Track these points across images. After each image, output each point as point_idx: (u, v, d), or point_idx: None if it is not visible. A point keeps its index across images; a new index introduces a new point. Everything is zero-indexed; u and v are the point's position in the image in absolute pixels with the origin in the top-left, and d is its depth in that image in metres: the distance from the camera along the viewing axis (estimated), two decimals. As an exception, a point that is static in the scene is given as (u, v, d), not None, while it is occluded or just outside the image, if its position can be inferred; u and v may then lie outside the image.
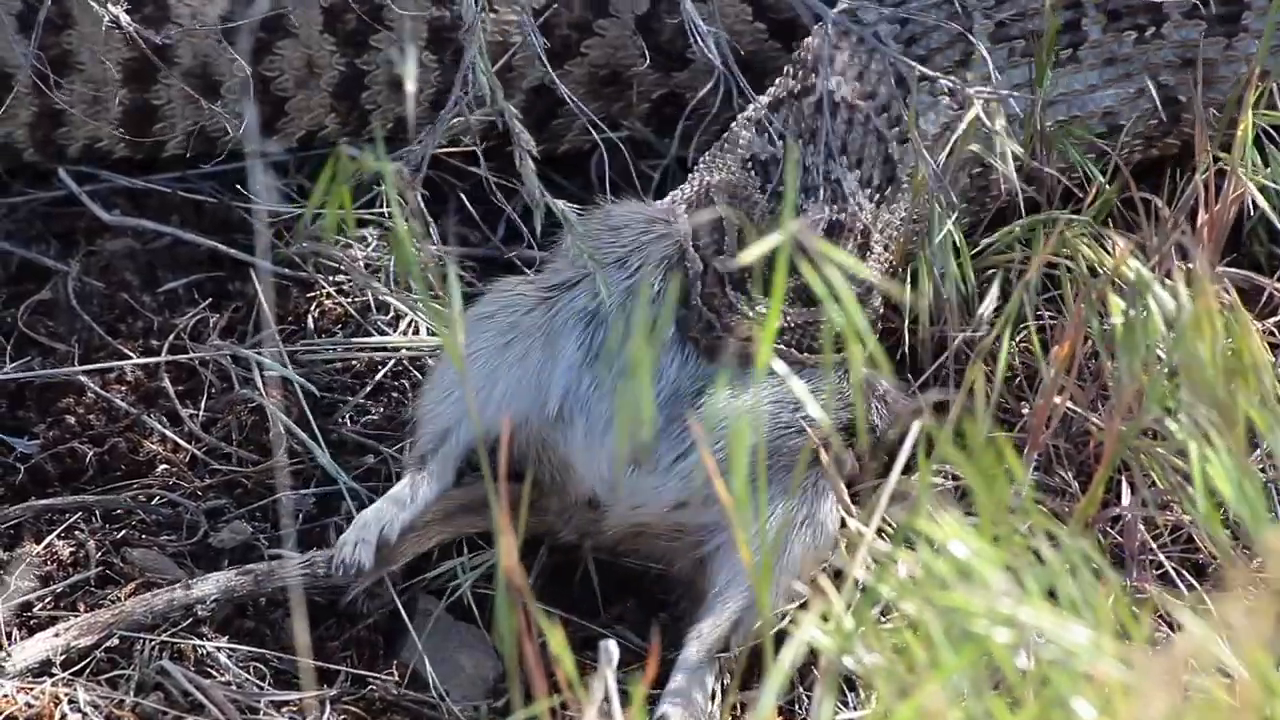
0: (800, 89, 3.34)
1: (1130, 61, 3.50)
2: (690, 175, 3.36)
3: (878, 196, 3.29)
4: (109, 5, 3.39)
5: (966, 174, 3.41)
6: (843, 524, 3.13)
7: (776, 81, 3.40)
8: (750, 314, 3.09)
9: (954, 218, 3.29)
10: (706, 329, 3.10)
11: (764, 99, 3.36)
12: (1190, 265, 3.24)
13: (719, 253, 3.15)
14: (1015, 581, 2.19)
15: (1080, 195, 3.44)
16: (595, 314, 3.16)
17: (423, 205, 3.30)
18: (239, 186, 3.70)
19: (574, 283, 3.19)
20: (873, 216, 3.28)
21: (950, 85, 3.28)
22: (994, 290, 3.37)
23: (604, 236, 3.19)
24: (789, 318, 3.12)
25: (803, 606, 3.04)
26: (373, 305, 3.57)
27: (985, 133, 3.28)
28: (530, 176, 3.25)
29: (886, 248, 3.31)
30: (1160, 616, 3.03)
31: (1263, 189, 3.30)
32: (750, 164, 3.29)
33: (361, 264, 3.61)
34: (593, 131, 3.50)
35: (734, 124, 3.38)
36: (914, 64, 3.29)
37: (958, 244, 3.30)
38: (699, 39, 3.32)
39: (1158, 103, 3.50)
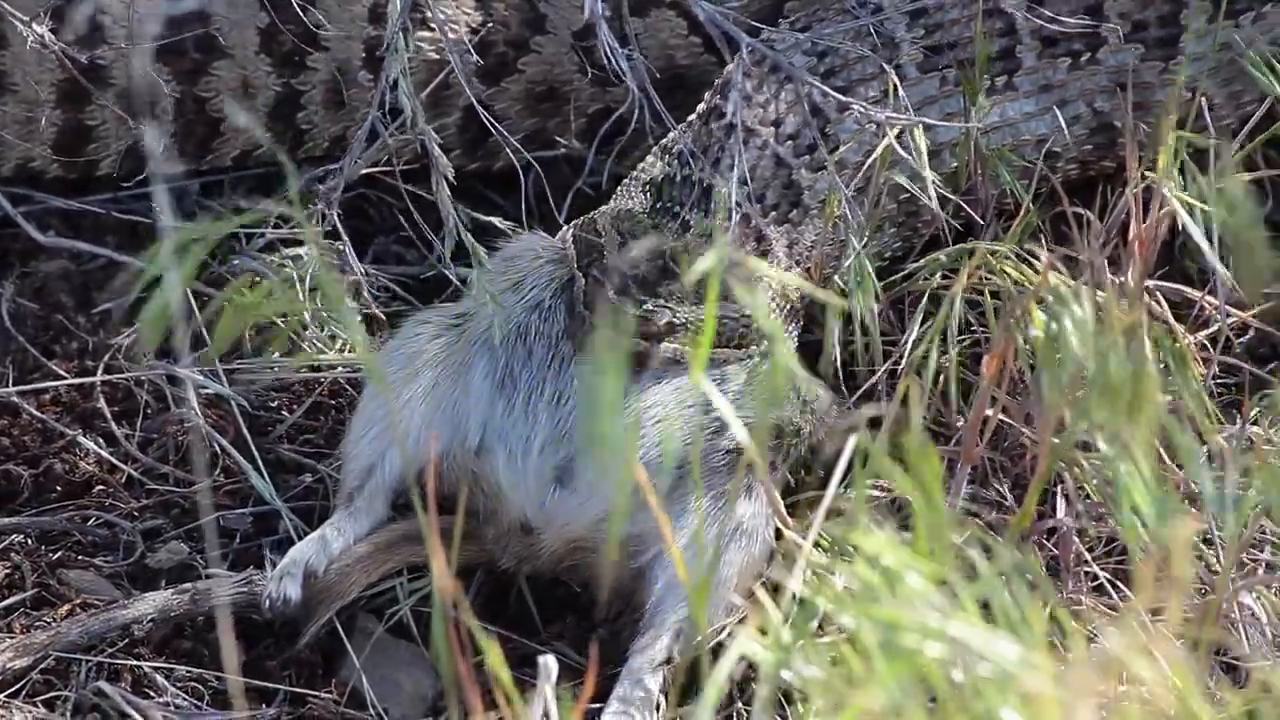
0: (706, 111, 3.39)
1: (1065, 88, 3.51)
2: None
3: (775, 217, 3.33)
4: (33, 25, 3.38)
5: (894, 200, 3.43)
6: (779, 535, 3.14)
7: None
8: (634, 314, 3.13)
9: (864, 242, 3.31)
10: (591, 331, 3.15)
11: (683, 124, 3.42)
12: (1123, 279, 3.26)
13: (601, 264, 3.19)
14: (950, 594, 2.19)
15: (1012, 217, 3.46)
16: (498, 341, 3.21)
17: (340, 227, 3.31)
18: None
19: (476, 312, 3.24)
20: (783, 236, 3.33)
21: (861, 110, 3.30)
22: (921, 308, 3.38)
23: (499, 266, 3.26)
24: (681, 315, 3.16)
25: (742, 620, 3.05)
26: (309, 323, 3.56)
27: (909, 160, 3.30)
28: (445, 202, 3.30)
29: (798, 263, 3.34)
30: (1095, 630, 3.04)
31: (1188, 206, 3.31)
32: (647, 186, 3.36)
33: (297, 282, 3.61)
34: (514, 155, 3.52)
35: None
36: (828, 90, 3.31)
37: (868, 269, 3.32)
38: (615, 60, 3.33)
39: (1093, 128, 3.52)
